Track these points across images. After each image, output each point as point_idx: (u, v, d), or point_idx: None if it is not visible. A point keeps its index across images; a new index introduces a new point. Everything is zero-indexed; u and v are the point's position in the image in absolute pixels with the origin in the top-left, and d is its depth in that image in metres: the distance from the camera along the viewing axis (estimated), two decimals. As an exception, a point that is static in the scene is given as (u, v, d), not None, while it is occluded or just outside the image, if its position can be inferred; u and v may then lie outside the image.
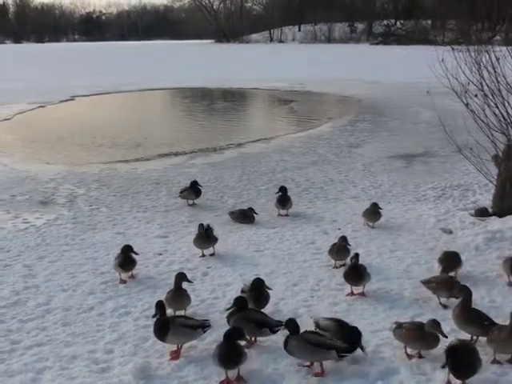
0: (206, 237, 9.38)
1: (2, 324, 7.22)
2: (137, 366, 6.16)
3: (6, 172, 15.26)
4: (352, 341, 6.10)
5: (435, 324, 6.12)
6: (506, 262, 8.16)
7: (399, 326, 6.43)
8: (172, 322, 6.33)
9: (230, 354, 5.81)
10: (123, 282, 8.41)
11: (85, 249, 9.77)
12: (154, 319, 6.41)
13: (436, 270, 8.33)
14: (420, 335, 6.15)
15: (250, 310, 6.85)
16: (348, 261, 8.62)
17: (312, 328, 6.49)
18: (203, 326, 6.53)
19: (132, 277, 8.56)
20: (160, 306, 6.39)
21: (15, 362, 6.38)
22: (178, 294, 7.34)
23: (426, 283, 7.72)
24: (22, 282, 8.45)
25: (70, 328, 7.12)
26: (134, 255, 8.58)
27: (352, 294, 7.86)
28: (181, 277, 7.41)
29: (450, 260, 8.34)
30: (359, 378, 5.96)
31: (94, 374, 6.10)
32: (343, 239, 8.84)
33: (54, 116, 27.57)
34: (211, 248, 9.45)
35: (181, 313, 7.26)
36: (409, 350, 6.33)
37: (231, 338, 5.87)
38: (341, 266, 8.77)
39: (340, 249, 8.76)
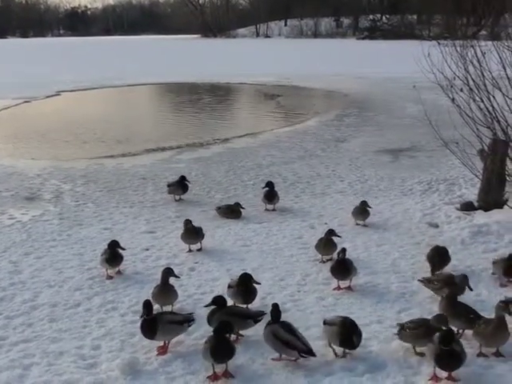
0: (193, 232, 9.37)
1: (-12, 320, 7.19)
2: (124, 361, 6.15)
3: (-8, 168, 15.16)
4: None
5: (442, 318, 6.03)
6: (498, 263, 8.10)
7: (402, 327, 6.35)
8: (160, 320, 6.31)
9: (221, 348, 5.82)
10: (110, 277, 8.38)
11: (71, 245, 9.73)
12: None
13: (423, 264, 8.36)
14: (426, 332, 6.03)
15: (230, 306, 6.91)
16: (335, 255, 8.65)
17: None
18: (188, 320, 6.55)
19: (119, 272, 8.52)
20: (147, 305, 6.34)
21: (2, 359, 6.34)
22: (165, 290, 7.32)
23: (427, 282, 7.60)
24: (8, 278, 8.40)
25: (56, 324, 7.09)
26: (120, 251, 8.55)
27: (339, 288, 7.88)
28: (168, 272, 7.40)
29: (441, 257, 8.32)
30: (347, 371, 5.98)
31: (81, 370, 6.09)
32: (330, 233, 8.87)
33: (40, 111, 27.41)
34: (198, 243, 9.45)
35: (168, 308, 7.26)
36: (418, 349, 6.24)
37: (221, 331, 5.87)
38: (328, 260, 8.79)
39: (327, 243, 8.78)
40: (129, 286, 8.12)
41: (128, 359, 6.19)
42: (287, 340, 6.03)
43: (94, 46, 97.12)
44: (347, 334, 6.04)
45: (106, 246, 8.56)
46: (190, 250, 9.36)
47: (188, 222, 9.44)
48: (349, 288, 7.87)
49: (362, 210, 10.46)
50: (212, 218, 11.04)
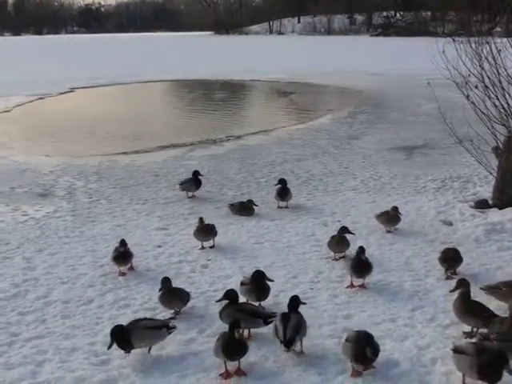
0: (206, 229, 9.38)
1: (2, 316, 7.21)
2: (136, 358, 6.16)
3: (6, 164, 15.23)
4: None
5: None
6: None
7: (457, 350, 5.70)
8: (133, 327, 6.11)
9: (233, 345, 5.80)
10: (122, 274, 8.40)
11: (84, 241, 9.75)
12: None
13: (437, 262, 8.29)
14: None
15: (242, 302, 6.92)
16: (347, 253, 8.61)
17: None
18: (167, 326, 6.35)
19: (131, 269, 8.55)
20: (116, 333, 6.05)
21: (15, 355, 6.37)
22: (169, 294, 7.18)
23: (492, 289, 7.17)
24: (22, 274, 8.44)
25: (69, 320, 7.11)
26: (131, 248, 8.57)
27: (352, 286, 7.84)
28: (164, 281, 7.24)
29: (453, 259, 8.17)
30: (359, 370, 5.96)
31: (93, 367, 6.09)
32: (343, 230, 8.83)
33: (54, 108, 27.49)
34: (211, 240, 9.44)
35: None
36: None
37: (230, 329, 5.85)
38: (340, 257, 8.76)
39: (339, 240, 8.75)
40: (141, 283, 8.13)
41: (140, 356, 6.19)
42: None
43: (108, 42, 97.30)
44: (360, 348, 5.72)
45: (117, 244, 8.60)
46: (203, 247, 9.35)
47: (202, 220, 9.44)
48: (362, 286, 7.82)
49: (394, 217, 9.96)
50: (225, 215, 11.03)
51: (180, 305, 7.24)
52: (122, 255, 8.44)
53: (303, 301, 6.64)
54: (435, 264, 8.27)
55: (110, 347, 6.06)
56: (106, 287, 8.01)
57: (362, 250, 7.86)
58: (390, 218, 9.96)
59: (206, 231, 9.40)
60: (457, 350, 5.66)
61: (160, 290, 7.21)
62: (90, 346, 6.51)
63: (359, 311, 7.19)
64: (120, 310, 7.38)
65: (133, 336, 6.05)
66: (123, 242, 8.55)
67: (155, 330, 6.24)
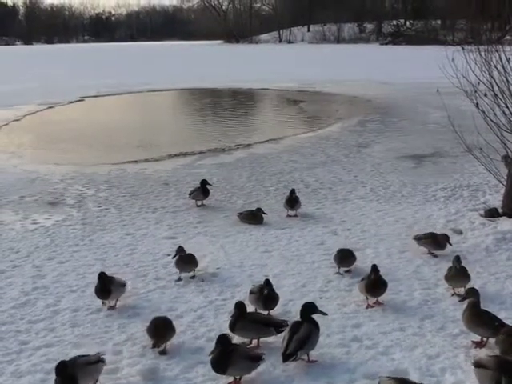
0: (185, 260, 8.62)
1: (11, 325, 7.23)
2: (145, 367, 6.17)
3: (16, 173, 15.30)
4: None
5: None
6: None
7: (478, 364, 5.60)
8: (75, 367, 5.66)
9: (218, 360, 5.73)
10: (111, 307, 7.70)
11: (94, 250, 9.78)
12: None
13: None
14: None
15: (251, 312, 6.90)
16: (353, 267, 8.54)
17: None
18: (102, 360, 5.98)
19: (111, 307, 7.70)
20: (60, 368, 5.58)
21: (24, 363, 6.38)
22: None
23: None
24: (31, 282, 8.46)
25: (78, 329, 7.12)
26: (110, 285, 7.60)
27: (369, 306, 7.57)
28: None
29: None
30: (369, 379, 5.93)
31: (102, 375, 6.08)
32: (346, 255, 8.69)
33: (64, 117, 27.60)
34: (191, 272, 8.66)
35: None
36: None
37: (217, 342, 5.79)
38: (345, 271, 8.63)
39: (346, 254, 8.62)
40: (150, 292, 8.13)
41: (149, 365, 6.21)
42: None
43: (118, 51, 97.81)
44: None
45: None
46: (180, 279, 8.57)
47: (181, 249, 8.65)
48: (378, 302, 7.62)
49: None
50: (234, 224, 11.04)
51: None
52: (103, 289, 7.56)
53: (323, 311, 6.52)
54: (445, 273, 8.22)
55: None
56: (115, 296, 8.01)
57: (374, 268, 7.55)
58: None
59: (185, 262, 8.61)
60: (478, 365, 5.59)
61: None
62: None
63: (368, 320, 7.17)
64: (129, 318, 7.38)
65: (78, 377, 5.62)
66: (104, 275, 7.68)
67: (94, 364, 5.87)
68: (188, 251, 9.39)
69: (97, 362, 5.91)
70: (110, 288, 7.54)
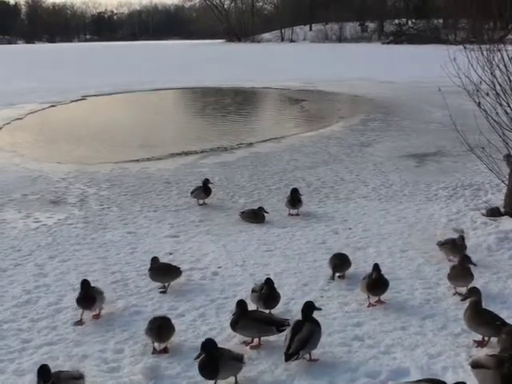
0: (159, 271, 8.18)
1: (13, 323, 7.25)
2: (147, 365, 6.17)
3: (18, 171, 15.31)
4: None
5: None
6: None
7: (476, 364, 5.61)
8: (59, 380, 5.51)
9: (204, 365, 5.70)
10: (80, 322, 7.29)
11: (95, 248, 9.79)
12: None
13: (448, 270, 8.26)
14: None
15: (253, 310, 6.90)
16: (346, 272, 8.46)
17: None
18: (82, 376, 5.78)
19: (96, 317, 7.43)
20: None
21: (26, 361, 6.39)
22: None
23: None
24: (33, 281, 8.47)
25: (80, 327, 7.13)
26: (94, 292, 7.35)
27: (370, 305, 7.58)
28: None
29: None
30: (370, 378, 5.94)
31: (103, 374, 6.11)
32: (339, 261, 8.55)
33: (66, 116, 27.64)
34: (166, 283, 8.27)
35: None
36: None
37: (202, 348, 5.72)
38: (339, 277, 8.46)
39: (341, 258, 8.53)
40: (152, 290, 8.13)
41: (150, 363, 6.21)
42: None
43: (120, 50, 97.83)
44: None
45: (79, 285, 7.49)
46: (165, 288, 8.22)
47: (156, 260, 8.18)
48: (380, 301, 7.62)
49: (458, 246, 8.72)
50: (235, 223, 11.04)
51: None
52: (85, 297, 7.26)
53: (318, 306, 6.55)
54: (447, 272, 8.21)
55: None
56: (116, 294, 8.02)
57: (376, 267, 7.55)
58: (456, 247, 8.75)
59: (159, 273, 8.17)
60: (476, 365, 5.58)
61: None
62: (101, 353, 6.52)
63: (369, 319, 7.17)
64: (131, 317, 7.39)
65: None
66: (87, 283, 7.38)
67: (78, 380, 5.73)
68: (190, 250, 9.47)
69: (79, 377, 5.72)
70: (94, 295, 7.26)
